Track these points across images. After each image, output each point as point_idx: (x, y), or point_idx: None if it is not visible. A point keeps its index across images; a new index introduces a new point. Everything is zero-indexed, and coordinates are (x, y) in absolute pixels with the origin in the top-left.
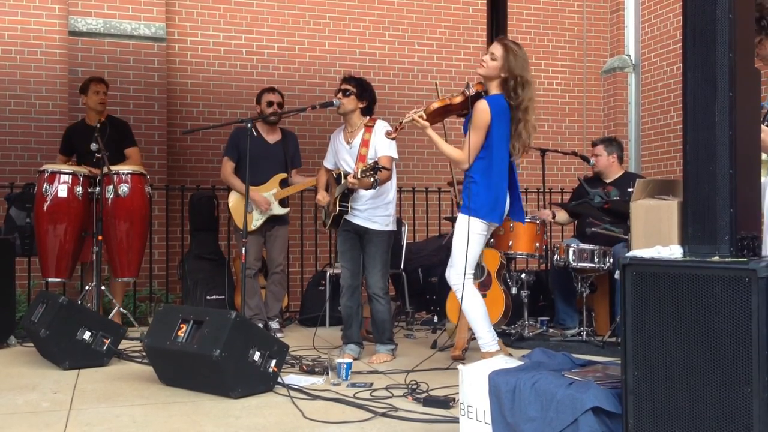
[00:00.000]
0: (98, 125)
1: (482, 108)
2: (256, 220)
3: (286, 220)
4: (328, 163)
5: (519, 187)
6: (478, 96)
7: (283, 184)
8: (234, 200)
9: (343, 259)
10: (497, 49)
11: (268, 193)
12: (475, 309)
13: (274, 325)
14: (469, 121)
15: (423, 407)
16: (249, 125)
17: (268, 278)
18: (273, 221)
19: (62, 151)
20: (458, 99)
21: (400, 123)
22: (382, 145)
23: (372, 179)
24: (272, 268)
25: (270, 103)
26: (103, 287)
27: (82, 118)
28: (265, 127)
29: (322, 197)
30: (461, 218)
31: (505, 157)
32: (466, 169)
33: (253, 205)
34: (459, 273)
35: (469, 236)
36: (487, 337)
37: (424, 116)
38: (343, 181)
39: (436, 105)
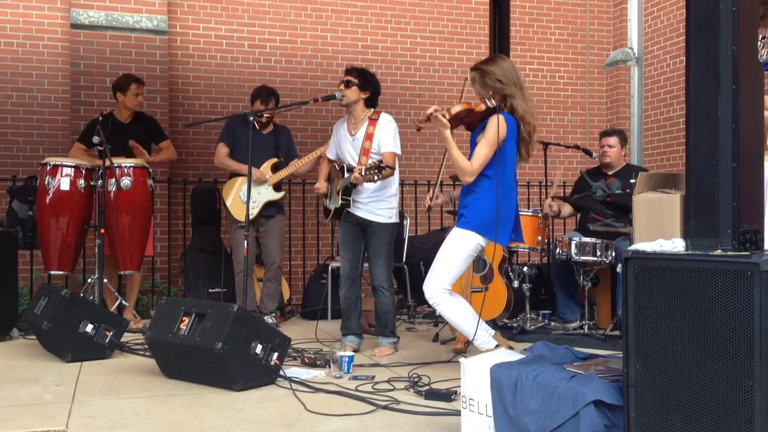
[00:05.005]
0: (100, 117)
1: (501, 122)
2: (252, 209)
3: (281, 209)
4: (330, 154)
5: (517, 207)
6: (494, 110)
7: (275, 169)
8: (231, 199)
9: (343, 250)
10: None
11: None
12: (458, 313)
13: (269, 320)
14: (480, 133)
15: (425, 400)
16: (252, 118)
17: (264, 275)
18: (267, 210)
19: (82, 140)
20: (481, 107)
21: (427, 117)
22: (387, 140)
23: (375, 177)
24: (268, 264)
25: (260, 115)
26: (105, 280)
27: (111, 112)
28: (258, 123)
29: (321, 185)
30: (459, 232)
31: (513, 177)
32: (469, 183)
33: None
34: (437, 287)
35: (462, 252)
36: (482, 336)
37: (448, 116)
38: (346, 174)
39: (459, 108)
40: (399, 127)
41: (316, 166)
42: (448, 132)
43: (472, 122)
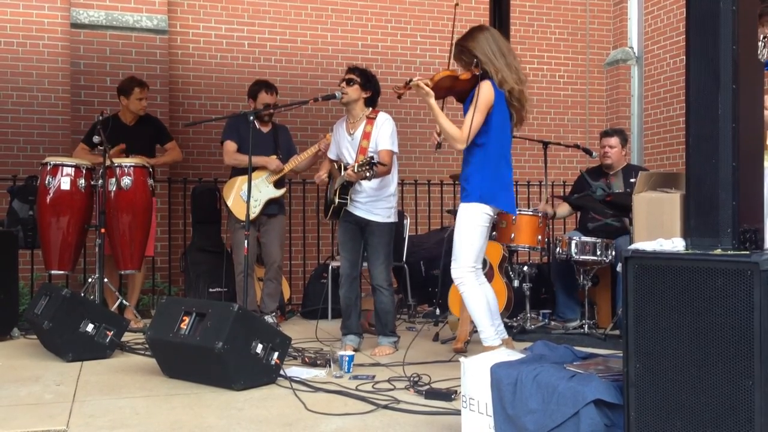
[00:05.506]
0: (100, 117)
1: (487, 88)
2: (254, 207)
3: (283, 208)
4: (330, 153)
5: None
6: (483, 76)
7: None
8: (232, 199)
9: (343, 250)
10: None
11: (261, 178)
12: (476, 302)
13: (269, 320)
14: (470, 102)
15: (425, 399)
16: (252, 117)
17: (264, 275)
18: (269, 209)
19: (85, 140)
20: (467, 75)
21: (407, 83)
22: (383, 139)
23: (368, 173)
24: (268, 264)
25: (267, 106)
26: (106, 280)
27: (116, 114)
28: (258, 121)
29: (323, 175)
30: (465, 207)
31: (506, 144)
32: (461, 150)
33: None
34: (462, 266)
35: (474, 225)
36: (489, 332)
37: (430, 84)
38: (342, 173)
39: (443, 74)
40: (399, 126)
41: (315, 163)
42: (432, 100)
43: (460, 92)
